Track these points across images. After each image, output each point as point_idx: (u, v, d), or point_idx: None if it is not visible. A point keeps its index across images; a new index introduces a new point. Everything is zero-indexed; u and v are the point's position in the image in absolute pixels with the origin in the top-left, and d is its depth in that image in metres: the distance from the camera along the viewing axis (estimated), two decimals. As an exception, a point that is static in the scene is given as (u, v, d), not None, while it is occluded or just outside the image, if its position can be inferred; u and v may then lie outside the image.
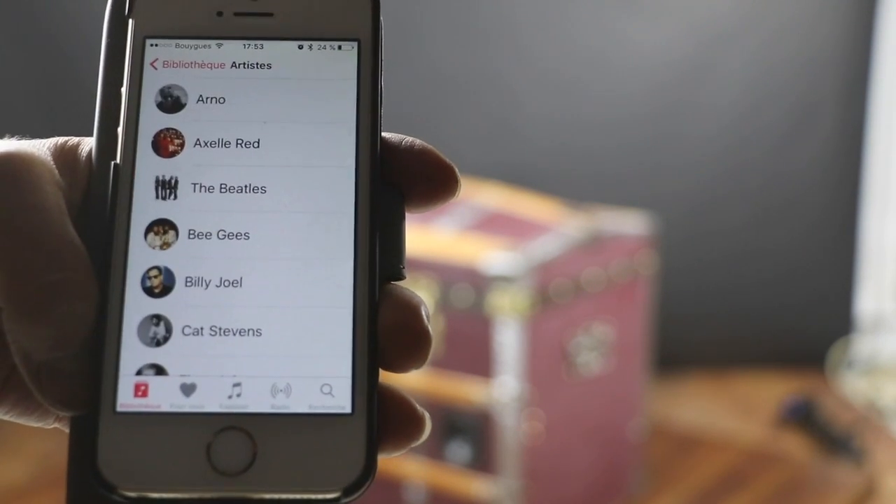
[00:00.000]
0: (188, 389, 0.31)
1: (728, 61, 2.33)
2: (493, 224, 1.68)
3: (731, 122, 2.36)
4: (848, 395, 2.29)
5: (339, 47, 0.34)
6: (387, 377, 0.32)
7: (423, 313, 0.32)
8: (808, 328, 2.44)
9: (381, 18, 0.35)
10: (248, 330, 0.31)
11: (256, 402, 0.31)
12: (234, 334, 0.31)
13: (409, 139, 0.34)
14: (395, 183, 0.33)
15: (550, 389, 1.61)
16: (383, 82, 0.34)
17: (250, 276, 0.32)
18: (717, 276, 2.42)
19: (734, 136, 2.37)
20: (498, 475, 1.59)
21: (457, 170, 0.34)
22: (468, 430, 1.61)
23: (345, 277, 0.32)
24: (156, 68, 0.34)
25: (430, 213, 1.69)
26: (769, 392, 2.27)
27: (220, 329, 0.31)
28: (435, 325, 1.60)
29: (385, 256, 0.33)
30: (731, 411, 2.24)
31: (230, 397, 0.31)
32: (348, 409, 0.31)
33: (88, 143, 0.33)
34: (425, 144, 0.34)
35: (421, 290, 1.60)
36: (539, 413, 1.59)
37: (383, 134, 0.34)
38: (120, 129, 0.33)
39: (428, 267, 1.60)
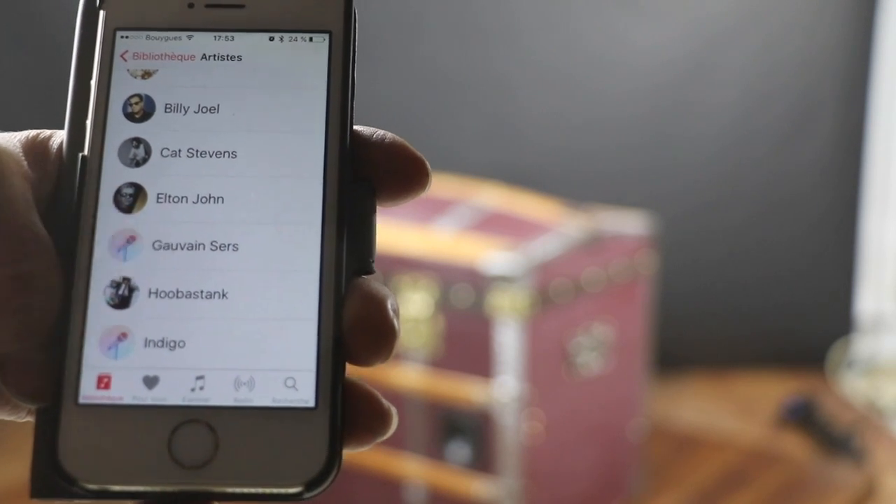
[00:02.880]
0: (151, 382, 0.31)
1: (728, 61, 2.33)
2: (493, 224, 1.68)
3: (731, 122, 2.36)
4: (848, 395, 2.29)
5: (311, 39, 0.34)
6: (356, 371, 0.32)
7: (390, 307, 0.32)
8: (808, 328, 2.44)
9: (355, 11, 0.35)
10: (213, 324, 0.31)
11: (219, 395, 0.31)
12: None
13: (380, 132, 0.34)
14: (365, 176, 0.33)
15: (550, 389, 1.61)
16: (356, 74, 0.34)
17: (216, 269, 0.32)
18: (716, 276, 2.42)
19: (734, 136, 2.37)
20: (498, 475, 1.59)
21: (427, 163, 0.33)
22: (468, 430, 1.61)
23: (311, 270, 0.32)
24: (126, 60, 0.34)
25: (430, 213, 1.69)
26: (769, 392, 2.27)
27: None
28: (436, 324, 1.60)
29: (354, 250, 0.32)
30: (731, 411, 2.24)
31: (193, 390, 0.31)
32: (312, 403, 0.31)
33: (60, 136, 0.33)
34: (396, 137, 0.34)
35: (421, 290, 1.60)
36: (539, 413, 1.59)
37: (355, 127, 0.34)
38: (88, 121, 0.33)
39: (428, 267, 1.60)
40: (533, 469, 1.60)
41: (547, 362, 1.60)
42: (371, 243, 0.33)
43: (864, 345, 2.43)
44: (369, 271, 0.33)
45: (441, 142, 2.32)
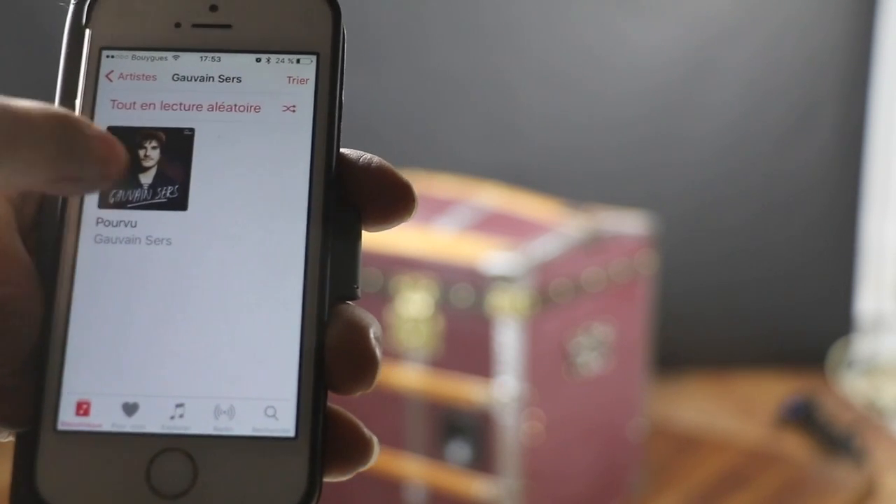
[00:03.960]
0: (131, 409, 0.30)
1: (728, 61, 2.33)
2: (493, 224, 1.68)
3: (731, 121, 2.36)
4: (848, 395, 2.29)
5: (298, 61, 0.34)
6: (337, 399, 0.31)
7: (372, 335, 0.31)
8: (808, 328, 2.44)
9: (344, 32, 0.34)
10: (193, 351, 0.31)
11: (199, 423, 0.30)
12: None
13: (366, 156, 0.33)
14: (351, 201, 0.33)
15: (550, 389, 1.61)
16: (343, 97, 0.34)
17: (198, 295, 0.31)
18: (716, 275, 2.42)
19: (734, 136, 2.37)
20: (498, 475, 1.59)
21: (414, 188, 0.33)
22: (468, 430, 1.61)
23: (293, 297, 0.31)
24: (111, 80, 0.33)
25: (430, 213, 1.69)
26: (769, 392, 2.27)
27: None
28: (436, 324, 1.60)
29: (339, 276, 0.32)
30: (731, 411, 2.24)
31: (172, 418, 0.30)
32: (292, 433, 0.30)
33: None
34: (383, 162, 0.33)
35: (421, 290, 1.60)
36: (539, 413, 1.59)
37: (341, 150, 0.33)
38: None
39: (428, 267, 1.60)
40: (533, 469, 1.60)
41: (547, 362, 1.60)
42: (355, 269, 0.33)
43: (864, 345, 2.42)
44: (354, 297, 0.32)
45: (441, 142, 2.32)
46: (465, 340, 1.59)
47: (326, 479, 0.31)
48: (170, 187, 0.32)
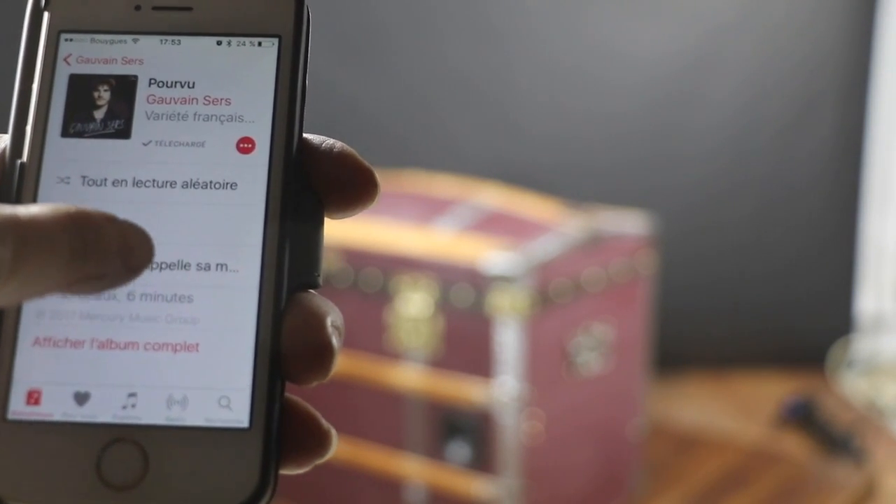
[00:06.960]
0: (82, 398, 0.30)
1: (728, 56, 2.33)
2: (493, 224, 1.68)
3: (731, 118, 2.36)
4: (848, 395, 2.29)
5: (259, 44, 0.33)
6: (295, 389, 0.31)
7: (329, 323, 0.30)
8: (809, 327, 2.44)
9: (308, 14, 0.34)
10: (146, 339, 0.31)
11: (151, 413, 0.30)
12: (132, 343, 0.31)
13: (329, 141, 0.33)
14: (313, 187, 0.32)
15: (550, 389, 1.61)
16: (306, 80, 0.33)
17: (151, 285, 0.31)
18: (717, 275, 2.42)
19: (734, 134, 2.37)
20: (498, 475, 1.59)
21: (376, 174, 0.32)
22: (468, 430, 1.61)
23: (250, 285, 0.31)
24: (69, 64, 0.33)
25: (430, 213, 1.69)
26: (769, 392, 2.27)
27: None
28: (436, 324, 1.60)
29: (300, 263, 0.31)
30: (731, 411, 2.24)
31: (124, 407, 0.30)
32: (245, 424, 0.30)
33: (5, 141, 0.33)
34: (345, 147, 0.33)
35: (421, 290, 1.60)
36: (539, 413, 1.59)
37: (304, 135, 0.33)
38: (28, 127, 0.32)
39: (428, 267, 1.60)
40: (533, 469, 1.60)
41: (547, 362, 1.60)
42: (317, 256, 0.32)
43: (864, 345, 2.42)
44: (315, 285, 0.32)
45: (441, 140, 2.32)
46: (465, 340, 1.59)
47: (283, 472, 0.30)
48: (117, 121, 0.32)
